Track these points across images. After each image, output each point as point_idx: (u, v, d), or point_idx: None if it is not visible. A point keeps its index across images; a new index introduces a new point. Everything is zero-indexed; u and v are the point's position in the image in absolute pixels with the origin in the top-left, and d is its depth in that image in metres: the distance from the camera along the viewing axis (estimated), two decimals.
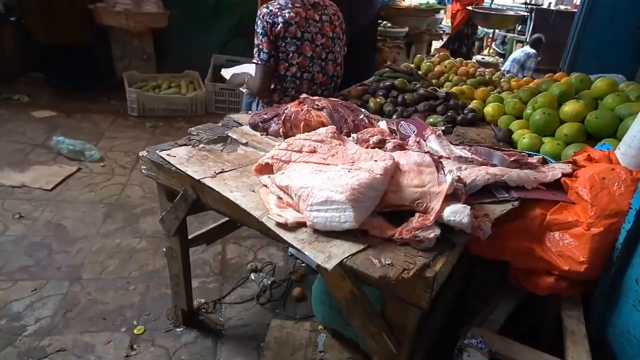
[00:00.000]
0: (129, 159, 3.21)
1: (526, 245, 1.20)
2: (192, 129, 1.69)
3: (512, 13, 6.50)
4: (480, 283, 1.55)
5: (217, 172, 1.34)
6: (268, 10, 1.97)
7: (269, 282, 2.12)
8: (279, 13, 1.97)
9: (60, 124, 3.67)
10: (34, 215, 2.45)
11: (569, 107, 1.69)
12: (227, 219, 1.88)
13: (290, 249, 2.34)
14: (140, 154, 1.48)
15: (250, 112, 2.17)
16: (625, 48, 2.97)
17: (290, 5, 1.99)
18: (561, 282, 1.17)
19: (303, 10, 2.02)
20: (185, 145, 1.54)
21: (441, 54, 3.26)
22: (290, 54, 2.02)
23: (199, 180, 1.30)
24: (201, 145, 1.54)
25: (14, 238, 2.26)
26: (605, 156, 1.31)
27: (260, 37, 1.98)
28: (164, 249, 1.75)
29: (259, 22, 1.98)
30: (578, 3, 4.07)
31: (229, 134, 1.64)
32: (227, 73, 2.50)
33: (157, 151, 1.46)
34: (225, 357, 1.71)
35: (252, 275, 2.16)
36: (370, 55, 3.87)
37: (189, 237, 1.72)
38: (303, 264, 2.26)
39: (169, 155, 1.43)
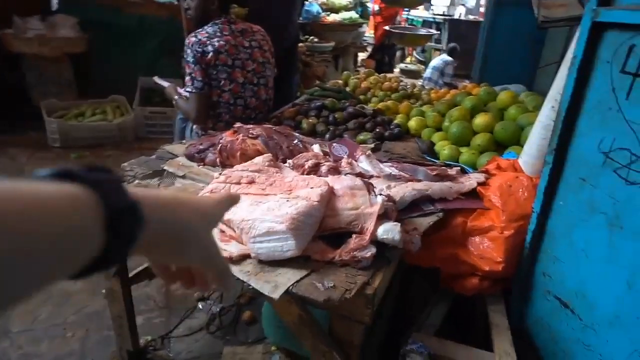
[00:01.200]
0: None
1: (452, 251, 1.33)
2: (125, 164, 1.65)
3: (423, 32, 7.00)
4: (417, 290, 1.66)
5: None
6: (197, 40, 1.98)
7: (218, 309, 2.10)
8: (208, 42, 1.98)
9: None
10: None
11: (480, 119, 1.89)
12: None
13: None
14: None
15: (184, 140, 2.16)
16: (525, 59, 3.32)
17: (218, 34, 2.02)
18: (484, 282, 1.31)
19: (232, 37, 2.05)
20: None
21: (367, 70, 3.43)
22: (222, 82, 2.04)
23: None
24: (136, 182, 1.52)
25: None
26: (511, 165, 1.48)
27: (192, 65, 1.98)
28: (103, 291, 1.69)
29: (189, 51, 1.97)
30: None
31: (165, 167, 1.62)
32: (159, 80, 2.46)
33: None
34: None
35: (200, 304, 2.13)
36: (294, 73, 3.95)
37: (130, 275, 1.68)
38: (251, 287, 2.25)
39: None
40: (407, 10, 9.23)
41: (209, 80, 2.03)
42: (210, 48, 1.97)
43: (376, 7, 7.81)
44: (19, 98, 4.22)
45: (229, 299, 2.18)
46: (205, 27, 2.05)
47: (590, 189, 1.05)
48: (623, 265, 0.98)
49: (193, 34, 2.01)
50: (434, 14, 9.19)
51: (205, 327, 1.99)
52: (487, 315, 1.29)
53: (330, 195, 1.22)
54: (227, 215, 1.19)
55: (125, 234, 0.37)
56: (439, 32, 8.12)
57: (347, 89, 2.88)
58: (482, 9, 8.68)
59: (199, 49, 1.96)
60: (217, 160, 1.63)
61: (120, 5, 4.51)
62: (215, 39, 2.00)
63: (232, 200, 0.60)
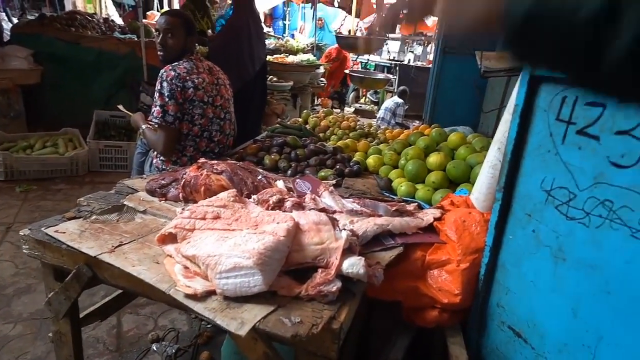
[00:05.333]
0: None
1: (412, 284, 1.36)
2: (82, 199, 1.58)
3: (382, 76, 7.42)
4: (379, 323, 1.67)
5: (115, 245, 1.28)
6: (176, 74, 1.98)
7: (174, 351, 1.99)
8: (187, 77, 2.00)
9: None
10: None
11: (433, 159, 1.99)
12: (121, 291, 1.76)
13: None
14: (21, 233, 1.33)
15: (144, 174, 2.10)
16: (471, 103, 3.57)
17: (196, 71, 2.05)
18: (444, 314, 1.34)
19: (206, 75, 2.09)
20: (75, 218, 1.43)
21: (325, 109, 3.54)
22: (195, 116, 2.06)
23: (95, 257, 1.22)
24: (94, 217, 1.45)
25: None
26: (464, 201, 1.56)
27: (167, 99, 1.96)
28: (50, 334, 1.55)
29: (166, 84, 1.96)
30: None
31: (125, 202, 1.57)
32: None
33: (42, 228, 1.33)
34: None
35: (154, 346, 2.01)
36: (262, 111, 4.04)
37: (81, 315, 1.57)
38: (209, 326, 2.17)
39: (57, 232, 1.32)
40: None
41: (182, 114, 2.03)
42: (190, 84, 1.99)
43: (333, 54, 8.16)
44: None
45: (185, 340, 2.08)
46: (181, 62, 2.06)
47: (535, 224, 1.14)
48: (568, 295, 1.05)
49: (171, 68, 2.01)
50: (388, 59, 9.73)
51: None
52: (447, 347, 1.32)
53: (296, 230, 1.22)
54: (192, 251, 1.17)
55: None
56: (395, 77, 8.58)
57: (307, 126, 2.95)
58: (429, 57, 9.31)
59: (179, 84, 1.96)
60: (180, 195, 1.60)
61: (79, 39, 4.43)
62: (194, 76, 2.02)
63: None
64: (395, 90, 7.82)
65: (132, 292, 1.47)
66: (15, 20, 5.35)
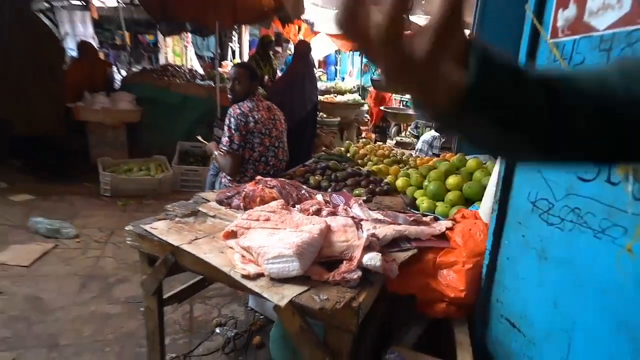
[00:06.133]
0: (102, 234, 3.20)
1: (425, 281, 1.47)
2: (168, 206, 1.86)
3: (411, 112, 7.53)
4: (399, 316, 1.76)
5: (192, 239, 1.51)
6: (241, 112, 2.28)
7: (232, 334, 2.19)
8: (249, 114, 2.29)
9: (38, 205, 3.60)
10: (12, 290, 2.38)
11: (452, 180, 2.09)
12: (195, 280, 2.00)
13: (250, 303, 2.44)
14: (126, 228, 1.61)
15: (214, 190, 2.38)
16: None
17: (256, 109, 2.33)
18: (451, 307, 1.43)
19: (264, 112, 2.37)
20: (163, 219, 1.70)
21: (365, 139, 3.72)
22: (255, 144, 2.33)
23: (178, 246, 1.46)
24: (177, 219, 1.71)
25: None
26: (473, 214, 1.65)
27: (233, 131, 2.26)
28: (142, 308, 1.81)
29: (233, 120, 2.26)
30: None
31: (199, 209, 1.82)
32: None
33: (141, 225, 1.61)
34: None
35: (217, 330, 2.22)
36: (312, 142, 4.31)
37: (164, 297, 1.81)
38: (262, 317, 2.36)
39: (151, 228, 1.58)
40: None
41: (245, 143, 2.30)
42: (251, 119, 2.27)
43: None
44: (80, 156, 4.58)
45: (242, 326, 2.27)
46: (245, 102, 2.36)
47: (525, 230, 1.22)
48: (549, 289, 1.12)
49: (237, 107, 2.31)
50: None
51: (222, 349, 2.07)
52: (454, 335, 1.40)
53: (327, 231, 1.40)
54: (247, 243, 1.38)
55: None
56: None
57: (348, 154, 3.14)
58: None
59: (243, 119, 2.25)
60: (241, 204, 1.83)
61: (169, 85, 5.00)
62: (255, 112, 2.30)
63: None
64: (433, 125, 7.84)
65: (204, 276, 1.69)
66: (124, 73, 6.12)
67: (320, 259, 1.33)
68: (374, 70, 11.06)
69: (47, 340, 2.00)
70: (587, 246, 0.99)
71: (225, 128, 2.28)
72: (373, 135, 8.37)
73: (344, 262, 1.30)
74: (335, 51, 12.02)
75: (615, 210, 0.92)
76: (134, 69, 6.49)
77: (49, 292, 2.39)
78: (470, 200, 1.99)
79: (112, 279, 2.61)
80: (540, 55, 1.14)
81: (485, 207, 1.59)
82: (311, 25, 8.13)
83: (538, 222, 1.16)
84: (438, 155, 6.55)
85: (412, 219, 1.67)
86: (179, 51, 9.98)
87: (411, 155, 3.37)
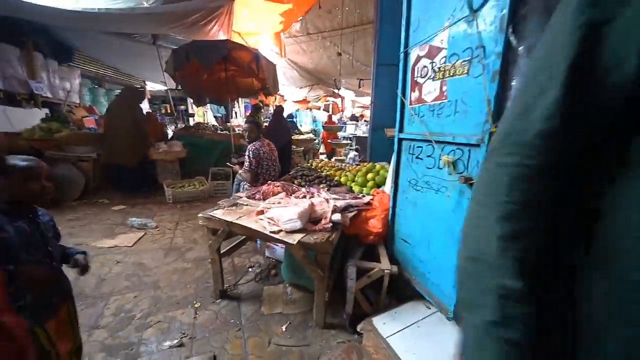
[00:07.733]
0: (171, 224, 3.06)
1: (362, 225, 1.63)
2: (220, 202, 1.88)
3: (345, 142, 7.83)
4: (351, 245, 1.95)
5: (237, 217, 1.59)
6: (255, 148, 2.33)
7: (258, 271, 2.22)
8: (260, 149, 2.35)
9: (130, 211, 3.35)
10: (125, 260, 2.24)
11: (369, 176, 2.33)
12: (234, 244, 2.01)
13: (266, 253, 2.49)
14: (199, 215, 1.64)
15: (240, 192, 2.43)
16: (386, 146, 3.76)
17: (263, 147, 2.39)
18: (375, 237, 1.61)
19: (267, 147, 2.47)
20: (219, 208, 1.77)
21: (319, 159, 3.89)
22: (264, 166, 2.41)
23: (231, 221, 1.53)
24: (226, 207, 1.77)
25: (116, 273, 2.06)
26: (382, 191, 1.90)
27: (252, 158, 2.31)
28: (209, 260, 1.84)
29: (251, 152, 2.29)
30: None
31: (238, 202, 1.90)
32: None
33: (208, 212, 1.66)
34: (244, 310, 1.75)
35: (250, 269, 2.26)
36: (290, 161, 4.40)
37: (221, 252, 1.86)
38: (274, 260, 2.42)
39: (213, 214, 1.65)
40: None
41: (257, 165, 2.39)
42: (261, 152, 2.34)
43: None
44: (151, 180, 4.31)
45: (263, 266, 2.33)
46: (256, 142, 2.42)
47: (406, 194, 1.45)
48: (419, 220, 1.36)
49: (252, 145, 2.35)
50: (350, 133, 10.20)
51: (254, 279, 2.11)
52: (378, 251, 1.62)
53: (312, 206, 1.57)
54: (270, 214, 1.50)
55: None
56: (352, 141, 8.98)
57: (313, 167, 3.31)
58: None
59: (256, 152, 2.31)
60: (261, 197, 1.92)
61: (202, 134, 4.85)
62: (262, 149, 2.38)
63: None
64: (354, 148, 8.28)
65: (246, 236, 1.75)
66: (170, 129, 5.81)
67: (311, 219, 1.49)
68: (321, 122, 11.30)
69: (152, 285, 1.94)
70: (433, 197, 1.25)
71: (246, 157, 2.37)
72: (325, 157, 8.58)
73: (322, 219, 1.47)
74: (296, 110, 12.17)
75: (443, 180, 1.19)
76: (179, 127, 6.17)
77: (147, 259, 2.29)
78: (380, 185, 2.25)
79: (183, 249, 2.53)
80: (406, 113, 1.41)
81: (387, 187, 1.84)
82: (282, 96, 8.24)
83: (412, 190, 1.40)
84: (359, 164, 6.90)
85: (351, 197, 1.89)
86: (202, 114, 9.62)
87: (346, 165, 3.61)
